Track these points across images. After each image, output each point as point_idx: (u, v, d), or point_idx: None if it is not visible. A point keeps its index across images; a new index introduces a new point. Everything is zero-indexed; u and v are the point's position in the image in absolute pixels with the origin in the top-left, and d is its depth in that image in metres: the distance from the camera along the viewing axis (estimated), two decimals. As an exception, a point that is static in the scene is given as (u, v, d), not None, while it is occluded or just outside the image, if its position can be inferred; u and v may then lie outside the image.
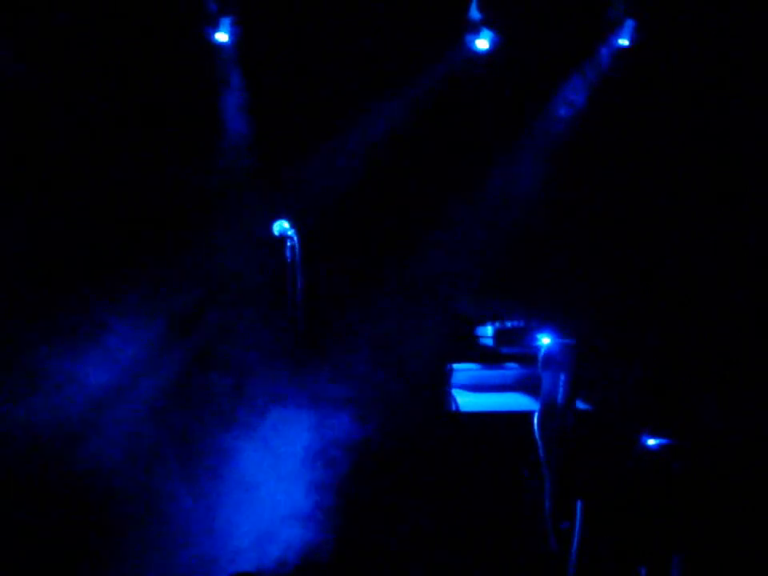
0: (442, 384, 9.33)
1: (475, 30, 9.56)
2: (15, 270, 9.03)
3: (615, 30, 9.69)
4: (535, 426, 8.80)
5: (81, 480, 8.79)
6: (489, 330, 9.15)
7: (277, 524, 8.97)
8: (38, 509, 8.68)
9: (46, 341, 8.95)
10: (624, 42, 9.72)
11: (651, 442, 9.18)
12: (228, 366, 9.26)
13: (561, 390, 9.01)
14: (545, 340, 9.29)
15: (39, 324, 8.98)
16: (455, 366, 9.27)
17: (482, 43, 9.57)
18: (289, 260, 8.47)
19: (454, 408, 9.28)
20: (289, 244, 8.47)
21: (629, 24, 9.68)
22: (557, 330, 9.31)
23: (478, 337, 9.35)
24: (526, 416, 9.10)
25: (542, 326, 9.34)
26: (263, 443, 9.07)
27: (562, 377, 9.04)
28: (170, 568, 8.64)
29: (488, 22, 9.53)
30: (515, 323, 9.11)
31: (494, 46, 9.61)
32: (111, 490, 8.80)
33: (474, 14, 9.52)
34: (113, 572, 8.60)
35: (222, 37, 9.30)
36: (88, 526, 8.70)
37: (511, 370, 9.39)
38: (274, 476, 9.04)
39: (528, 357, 9.40)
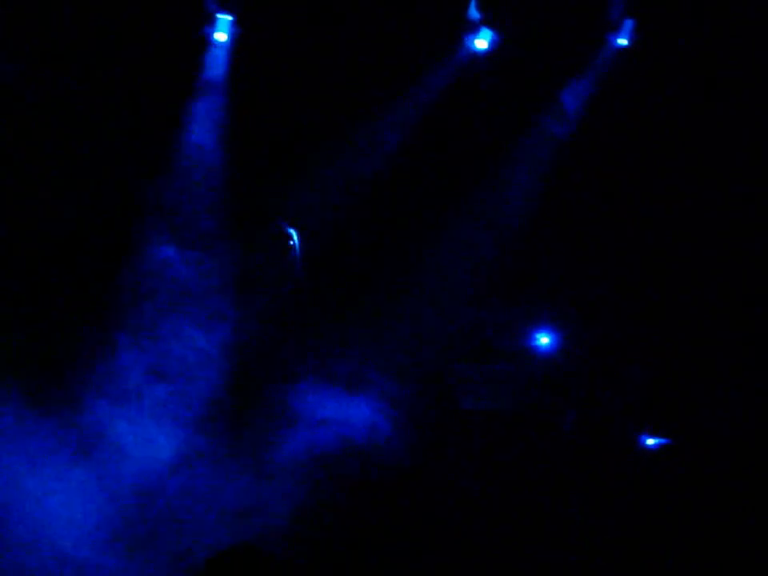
0: (443, 383, 9.35)
1: (474, 29, 9.55)
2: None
3: (614, 29, 9.69)
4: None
5: None
6: None
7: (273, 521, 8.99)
8: None
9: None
10: (623, 41, 9.72)
11: (651, 441, 9.21)
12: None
13: (560, 389, 9.04)
14: (544, 340, 9.32)
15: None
16: (456, 365, 9.30)
17: (482, 43, 9.56)
18: (290, 259, 8.41)
19: (455, 407, 9.31)
20: (290, 243, 8.42)
21: (628, 24, 9.68)
22: (556, 330, 9.33)
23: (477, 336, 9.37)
24: (526, 416, 9.14)
25: (542, 326, 9.37)
26: (261, 441, 9.08)
27: (561, 376, 9.08)
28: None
29: (487, 22, 9.52)
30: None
31: (494, 45, 9.59)
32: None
33: (474, 13, 9.50)
34: None
35: (220, 36, 9.28)
36: None
37: (511, 370, 9.41)
38: (271, 474, 9.05)
39: (527, 356, 9.43)
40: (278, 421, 9.11)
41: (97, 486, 8.59)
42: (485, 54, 9.60)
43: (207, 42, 9.28)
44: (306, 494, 8.98)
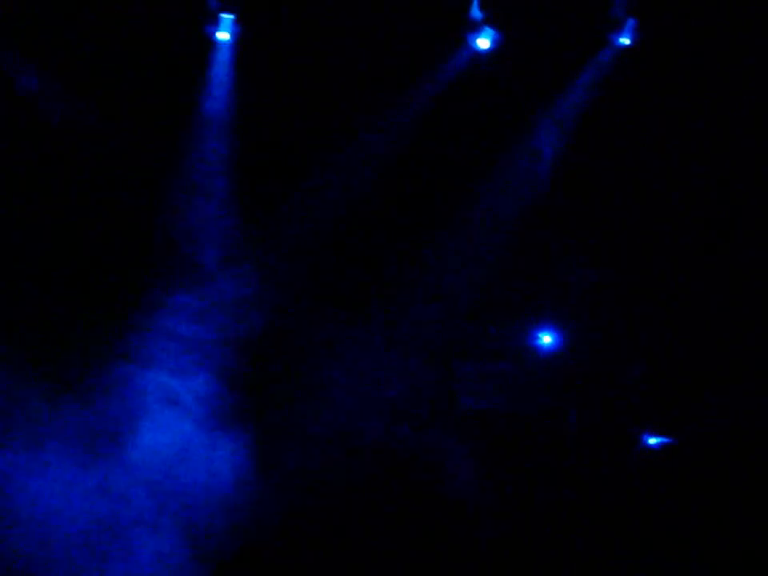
0: (445, 383, 9.36)
1: (477, 28, 9.56)
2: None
3: (617, 29, 9.69)
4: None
5: None
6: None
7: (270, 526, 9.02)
8: None
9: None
10: (625, 40, 9.71)
11: (651, 441, 9.21)
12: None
13: (560, 390, 9.05)
14: (545, 340, 9.32)
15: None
16: (456, 365, 9.30)
17: (484, 42, 9.57)
18: None
19: (456, 407, 9.31)
20: None
21: (630, 23, 9.67)
22: (557, 329, 9.34)
23: (479, 337, 9.38)
24: (526, 416, 9.15)
25: (543, 326, 9.37)
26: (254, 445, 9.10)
27: (562, 377, 9.09)
28: None
29: (489, 21, 9.53)
30: None
31: (496, 44, 9.60)
32: None
33: (476, 13, 9.51)
34: None
35: (223, 35, 9.30)
36: None
37: (512, 370, 9.41)
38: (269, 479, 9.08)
39: (529, 356, 9.43)
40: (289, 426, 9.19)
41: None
42: (487, 54, 9.62)
43: (210, 41, 9.32)
44: (313, 495, 9.05)
